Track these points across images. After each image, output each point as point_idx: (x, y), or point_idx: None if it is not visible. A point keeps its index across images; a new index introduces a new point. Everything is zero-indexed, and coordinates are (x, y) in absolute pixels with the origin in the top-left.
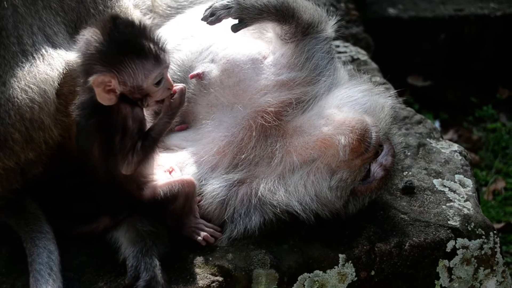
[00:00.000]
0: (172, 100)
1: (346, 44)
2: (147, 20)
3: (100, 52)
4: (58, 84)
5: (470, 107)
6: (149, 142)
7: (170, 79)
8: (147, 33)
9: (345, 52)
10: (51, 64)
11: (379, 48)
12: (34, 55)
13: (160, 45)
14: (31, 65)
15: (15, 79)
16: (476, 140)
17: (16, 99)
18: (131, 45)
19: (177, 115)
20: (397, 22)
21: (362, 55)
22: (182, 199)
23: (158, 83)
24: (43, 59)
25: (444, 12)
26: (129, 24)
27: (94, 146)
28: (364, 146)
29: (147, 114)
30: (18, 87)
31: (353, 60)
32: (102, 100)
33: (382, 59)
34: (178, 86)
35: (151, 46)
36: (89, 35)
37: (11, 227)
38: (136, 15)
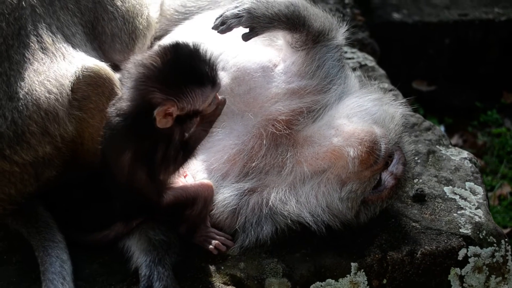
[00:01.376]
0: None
1: (353, 50)
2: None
3: (161, 81)
4: (72, 88)
5: (475, 111)
6: (187, 153)
7: (218, 95)
8: (204, 59)
9: (353, 58)
10: (71, 62)
11: (384, 53)
12: (55, 52)
13: (214, 69)
14: (51, 61)
15: (34, 74)
16: (481, 145)
17: (34, 91)
18: (191, 74)
19: (214, 124)
20: (402, 27)
21: (370, 61)
22: (202, 202)
23: (211, 103)
24: (63, 57)
25: (448, 17)
26: (188, 52)
27: (126, 153)
28: (373, 158)
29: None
30: (37, 81)
31: (361, 66)
32: (160, 124)
33: (387, 64)
34: (219, 99)
35: (209, 72)
36: (148, 61)
37: (22, 236)
38: (152, 12)
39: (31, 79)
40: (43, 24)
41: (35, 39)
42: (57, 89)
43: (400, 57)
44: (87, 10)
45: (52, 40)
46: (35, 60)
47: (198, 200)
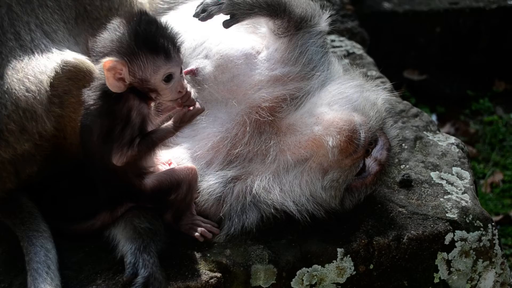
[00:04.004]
0: (186, 112)
1: (342, 38)
2: None
3: (119, 41)
4: (52, 83)
5: (467, 100)
6: (147, 143)
7: (184, 83)
8: (165, 32)
9: (341, 46)
10: (49, 58)
11: (375, 42)
12: (33, 49)
13: (175, 45)
14: (29, 58)
15: (13, 72)
16: (473, 133)
17: (13, 90)
18: (147, 39)
19: (182, 128)
20: (392, 16)
21: (358, 49)
22: (186, 186)
23: (167, 81)
24: (42, 53)
25: (439, 5)
26: (152, 21)
27: (94, 130)
28: (353, 147)
29: (154, 117)
30: (16, 79)
31: (348, 54)
32: (111, 85)
33: (377, 53)
34: (199, 105)
35: (165, 44)
36: (115, 23)
37: (7, 227)
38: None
39: (9, 77)
40: (21, 22)
41: (12, 37)
42: (36, 86)
43: (391, 46)
44: (67, 7)
45: (31, 37)
46: (13, 57)
47: (183, 183)
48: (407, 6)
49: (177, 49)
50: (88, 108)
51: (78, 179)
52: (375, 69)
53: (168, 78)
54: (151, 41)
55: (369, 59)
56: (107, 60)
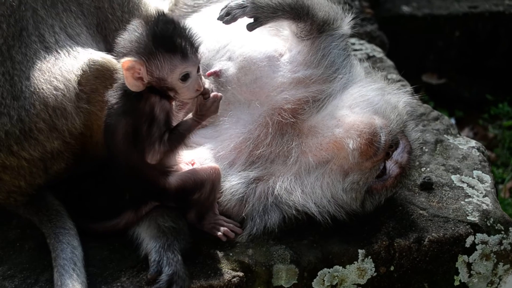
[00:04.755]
0: (205, 102)
1: (362, 41)
2: None
3: (137, 41)
4: (80, 81)
5: (486, 104)
6: (176, 136)
7: (201, 82)
8: (183, 32)
9: (361, 49)
10: (76, 57)
11: (394, 46)
12: (59, 51)
13: (192, 45)
14: (56, 59)
15: (39, 73)
16: (492, 138)
17: (41, 90)
18: (164, 39)
19: (207, 118)
20: (411, 20)
21: (378, 53)
22: (209, 186)
23: (184, 80)
24: (68, 54)
25: (458, 9)
26: (170, 21)
27: (119, 129)
28: (373, 150)
29: (176, 111)
30: (43, 79)
31: (368, 58)
32: (130, 85)
33: (396, 57)
34: (215, 93)
35: (182, 43)
36: (134, 24)
37: (33, 224)
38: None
39: (36, 78)
40: (45, 25)
41: (37, 39)
42: (64, 84)
43: (409, 50)
44: (90, 13)
45: (55, 39)
46: (38, 59)
47: (206, 183)
48: (426, 10)
49: (194, 48)
50: (111, 107)
51: (102, 178)
52: (395, 72)
53: (185, 77)
54: (167, 40)
55: (389, 62)
56: (126, 60)
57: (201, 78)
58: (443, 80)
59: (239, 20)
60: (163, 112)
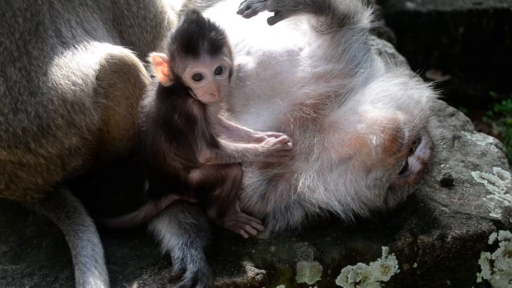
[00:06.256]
0: (266, 145)
1: (373, 37)
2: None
3: (168, 37)
4: (98, 76)
5: (489, 101)
6: (227, 153)
7: (215, 87)
8: (203, 32)
9: (372, 45)
10: (93, 52)
11: (398, 42)
12: (76, 46)
13: (209, 47)
14: (73, 54)
15: (57, 68)
16: (496, 135)
17: (59, 85)
18: (182, 37)
19: (257, 160)
20: (416, 16)
21: (389, 48)
22: (231, 182)
23: (197, 80)
24: (85, 49)
25: (462, 6)
26: (195, 21)
27: (149, 120)
28: (397, 146)
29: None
30: (61, 74)
31: (380, 53)
32: (160, 79)
33: (400, 53)
34: (283, 137)
35: (197, 43)
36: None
37: (50, 221)
38: (171, 15)
39: (53, 74)
40: (62, 19)
41: (53, 34)
42: (82, 79)
43: (414, 46)
44: (106, 8)
45: (72, 34)
46: (55, 54)
47: (227, 179)
48: (431, 6)
49: (211, 50)
50: (146, 97)
51: (118, 174)
52: (408, 68)
53: (197, 78)
54: (185, 39)
55: (401, 58)
56: (154, 55)
57: (215, 84)
58: (447, 76)
59: (260, 14)
60: (196, 109)
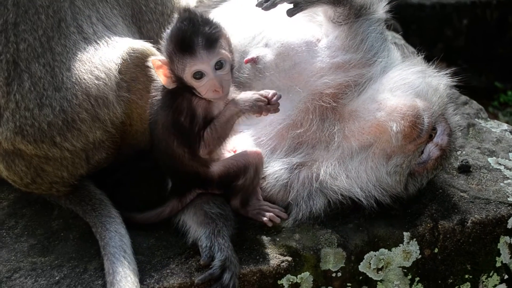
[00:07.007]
0: (243, 95)
1: None
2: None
3: (164, 39)
4: (120, 70)
5: (495, 92)
6: (215, 127)
7: (218, 83)
8: (197, 29)
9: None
10: (115, 47)
11: (402, 34)
12: (98, 41)
13: (204, 42)
14: (95, 49)
15: (80, 63)
16: None
17: (83, 80)
18: (177, 37)
19: (247, 114)
20: (420, 9)
21: (399, 39)
22: (253, 170)
23: (198, 78)
24: (107, 44)
25: None
26: (187, 18)
27: (159, 124)
28: (416, 132)
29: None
30: (84, 69)
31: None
32: (162, 81)
33: None
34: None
35: (192, 40)
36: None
37: (75, 214)
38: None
39: (77, 69)
40: (83, 15)
41: (75, 30)
42: (105, 74)
43: (418, 38)
44: (125, 4)
45: (93, 30)
46: (77, 50)
47: (250, 167)
48: None
49: (207, 45)
50: (154, 102)
51: (139, 168)
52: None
53: (198, 76)
54: (179, 38)
55: (411, 48)
56: (153, 59)
57: (217, 79)
58: (452, 68)
59: (278, 6)
60: (200, 109)
